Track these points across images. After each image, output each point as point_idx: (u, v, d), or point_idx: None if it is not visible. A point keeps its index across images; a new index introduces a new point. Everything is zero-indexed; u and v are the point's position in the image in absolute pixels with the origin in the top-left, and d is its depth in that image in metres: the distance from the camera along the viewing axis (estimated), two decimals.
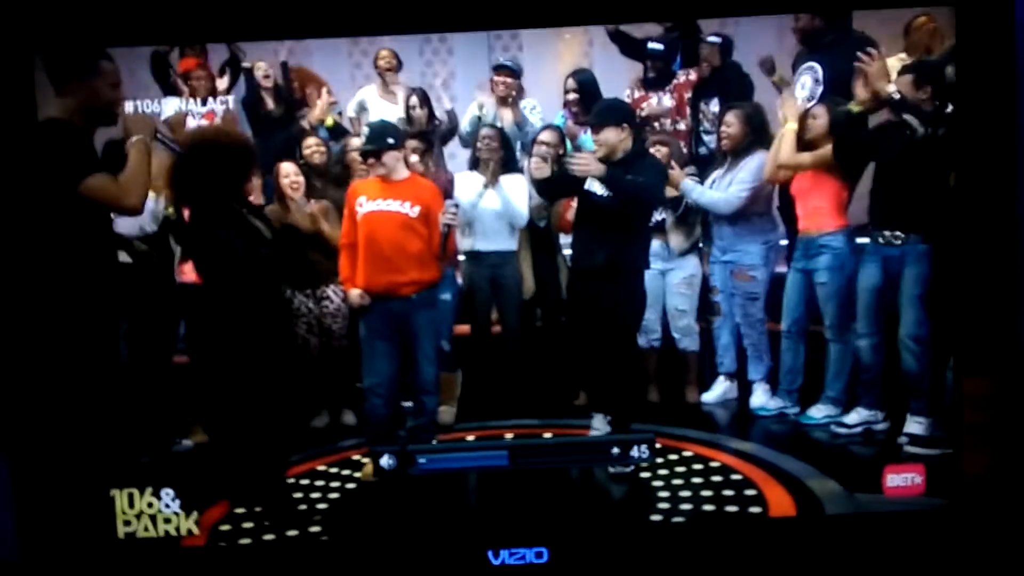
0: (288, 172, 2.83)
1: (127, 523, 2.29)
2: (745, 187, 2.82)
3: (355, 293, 2.70)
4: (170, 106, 2.46)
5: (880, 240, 2.62)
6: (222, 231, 2.38)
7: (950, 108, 2.33)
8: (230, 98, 2.54)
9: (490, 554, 2.26)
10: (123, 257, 2.48)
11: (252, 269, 2.40)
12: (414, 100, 2.82)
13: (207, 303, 2.43)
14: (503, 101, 2.87)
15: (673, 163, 2.86)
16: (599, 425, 2.75)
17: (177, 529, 2.30)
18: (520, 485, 2.44)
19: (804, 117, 2.72)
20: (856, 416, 2.73)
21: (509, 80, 2.83)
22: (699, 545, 2.33)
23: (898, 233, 2.58)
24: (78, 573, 2.25)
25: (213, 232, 2.38)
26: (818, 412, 2.81)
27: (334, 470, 2.66)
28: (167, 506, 2.30)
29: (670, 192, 2.86)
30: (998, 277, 2.16)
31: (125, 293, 2.42)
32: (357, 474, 2.64)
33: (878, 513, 2.32)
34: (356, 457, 2.70)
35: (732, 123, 2.86)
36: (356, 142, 2.87)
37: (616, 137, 2.63)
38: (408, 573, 2.30)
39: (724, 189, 2.86)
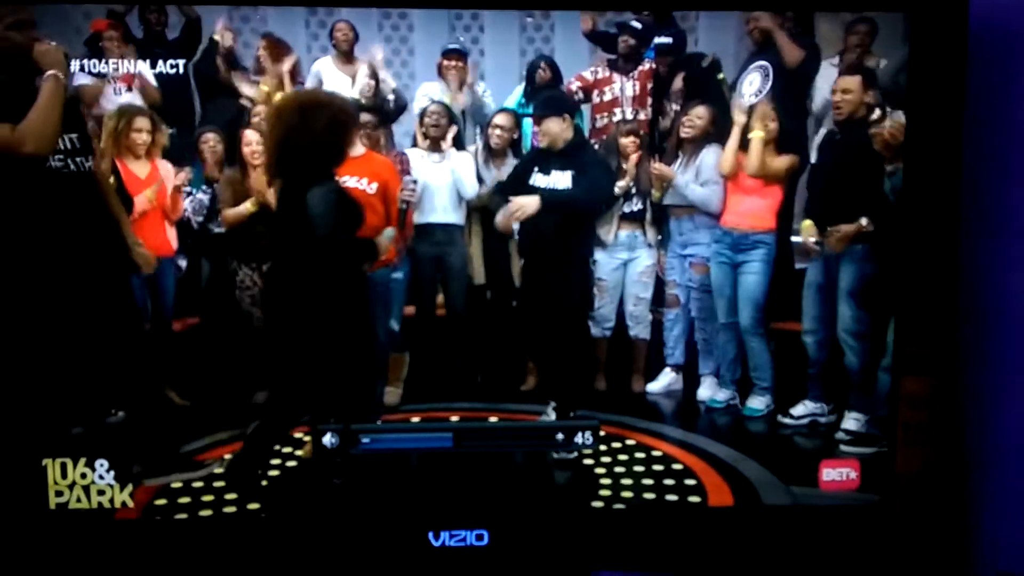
0: (251, 140, 2.73)
1: (59, 494, 2.23)
2: (717, 182, 2.84)
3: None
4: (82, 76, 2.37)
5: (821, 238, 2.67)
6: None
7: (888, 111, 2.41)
8: (181, 62, 2.46)
9: (431, 535, 2.26)
10: None
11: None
12: (365, 71, 2.78)
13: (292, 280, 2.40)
14: (456, 85, 2.84)
15: (657, 162, 2.89)
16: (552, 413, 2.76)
17: (111, 501, 2.25)
18: (462, 468, 2.44)
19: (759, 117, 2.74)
20: (803, 408, 2.78)
21: (460, 63, 2.80)
22: (639, 531, 2.36)
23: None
24: (7, 543, 2.19)
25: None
26: (760, 403, 2.85)
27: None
28: (101, 477, 2.25)
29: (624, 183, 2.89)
30: (938, 277, 2.20)
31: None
32: (299, 452, 2.60)
33: (812, 506, 2.36)
34: (298, 435, 2.67)
35: (703, 116, 2.85)
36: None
37: (558, 127, 2.65)
38: (349, 553, 2.29)
39: (687, 183, 2.89)
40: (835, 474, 2.40)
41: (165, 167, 2.68)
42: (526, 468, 2.60)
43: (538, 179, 2.71)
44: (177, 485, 2.41)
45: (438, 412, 2.74)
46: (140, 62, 2.46)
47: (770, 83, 2.70)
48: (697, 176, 2.87)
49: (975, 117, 2.19)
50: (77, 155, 2.26)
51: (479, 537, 2.28)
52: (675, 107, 2.94)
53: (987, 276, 2.32)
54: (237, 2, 2.48)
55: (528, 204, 2.66)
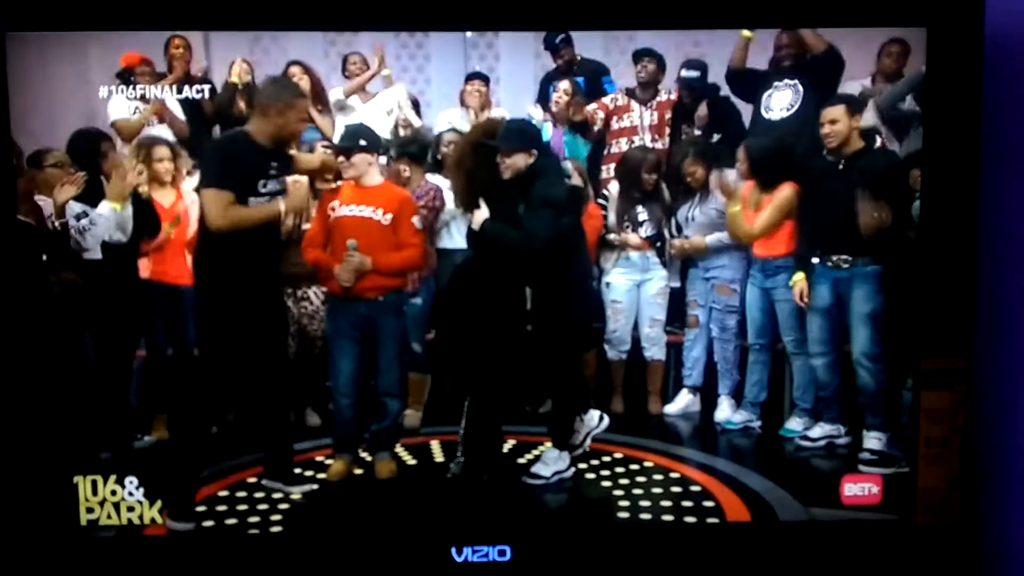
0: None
1: (90, 510, 2.30)
2: None
3: None
4: (118, 107, 2.46)
5: (828, 264, 2.69)
6: None
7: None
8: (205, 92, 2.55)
9: (453, 551, 2.29)
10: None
11: None
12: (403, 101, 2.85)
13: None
14: (476, 110, 2.88)
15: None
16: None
17: (140, 517, 2.32)
18: (485, 485, 2.53)
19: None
20: (819, 430, 2.78)
21: (483, 89, 2.84)
22: (659, 547, 2.38)
23: (846, 256, 2.66)
24: (41, 558, 2.26)
25: None
26: (795, 424, 2.86)
27: (297, 470, 2.66)
28: (130, 494, 2.31)
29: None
30: (956, 291, 2.21)
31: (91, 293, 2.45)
32: (321, 475, 2.65)
33: (832, 521, 2.39)
34: (320, 458, 2.71)
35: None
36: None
37: (524, 162, 2.62)
38: (373, 569, 2.33)
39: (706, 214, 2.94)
40: (857, 489, 2.40)
41: (191, 194, 2.73)
42: (547, 485, 2.64)
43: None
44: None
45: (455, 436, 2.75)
46: (169, 96, 2.54)
47: (801, 99, 2.74)
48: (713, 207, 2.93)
49: (991, 129, 2.19)
50: None
51: (501, 553, 2.31)
52: (696, 134, 2.97)
53: (1005, 289, 2.31)
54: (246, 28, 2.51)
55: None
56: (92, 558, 2.30)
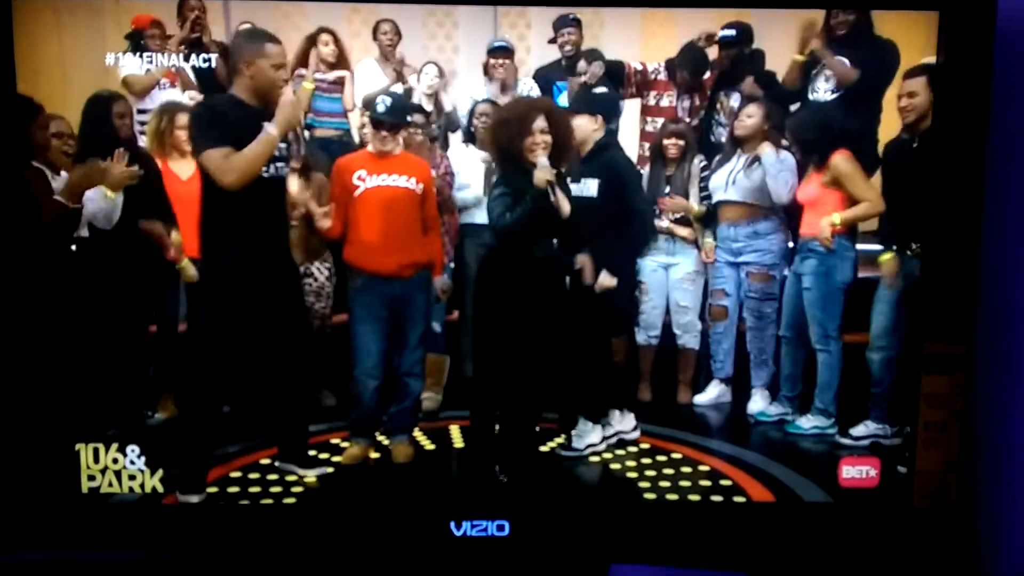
0: None
1: (91, 478, 2.31)
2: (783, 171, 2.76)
3: None
4: (130, 64, 2.34)
5: (908, 253, 2.47)
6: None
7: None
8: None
9: (452, 525, 2.32)
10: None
11: None
12: (435, 80, 2.75)
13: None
14: (502, 85, 2.75)
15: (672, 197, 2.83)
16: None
17: (142, 486, 2.32)
18: (484, 460, 2.55)
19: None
20: (863, 429, 2.61)
21: (507, 62, 2.70)
22: (656, 524, 2.42)
23: (915, 245, 2.43)
24: (43, 525, 2.29)
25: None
26: (806, 423, 2.71)
27: (312, 452, 2.58)
28: (131, 463, 2.32)
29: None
30: (958, 276, 2.23)
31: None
32: (337, 458, 2.57)
33: (833, 503, 2.42)
34: (335, 441, 2.63)
35: (754, 113, 2.74)
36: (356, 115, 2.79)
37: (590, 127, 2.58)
38: (376, 541, 2.37)
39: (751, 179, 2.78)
40: (855, 472, 2.42)
41: None
42: (546, 461, 2.64)
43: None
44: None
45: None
46: (181, 62, 2.43)
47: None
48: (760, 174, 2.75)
49: (1000, 116, 2.19)
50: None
51: (500, 527, 2.33)
52: (733, 105, 2.81)
53: (1007, 276, 2.33)
54: None
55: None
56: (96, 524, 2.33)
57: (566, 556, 2.36)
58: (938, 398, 2.27)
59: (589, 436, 2.68)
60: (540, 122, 2.48)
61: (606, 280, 2.64)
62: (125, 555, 2.38)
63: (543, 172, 2.48)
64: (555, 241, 2.61)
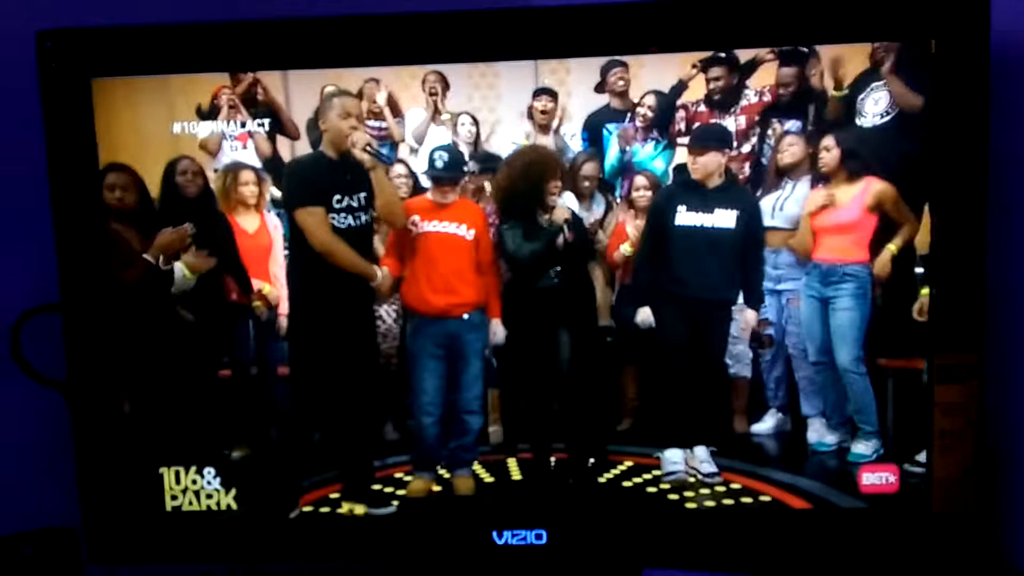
0: None
1: (174, 498, 2.59)
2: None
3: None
4: (204, 128, 2.56)
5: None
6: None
7: None
8: (266, 121, 2.62)
9: (494, 534, 2.49)
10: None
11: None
12: (470, 127, 2.86)
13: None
14: (543, 128, 2.82)
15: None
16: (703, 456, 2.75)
17: (218, 504, 2.58)
18: (523, 472, 2.72)
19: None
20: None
21: (550, 105, 2.78)
22: (688, 531, 2.54)
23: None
24: (132, 540, 2.58)
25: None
26: (867, 448, 2.64)
27: (377, 487, 2.71)
28: (208, 483, 2.58)
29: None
30: (967, 286, 2.31)
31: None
32: (401, 491, 2.69)
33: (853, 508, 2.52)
34: (399, 475, 2.75)
35: (794, 143, 2.72)
36: (402, 168, 2.91)
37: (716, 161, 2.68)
38: (421, 549, 2.57)
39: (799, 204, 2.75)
40: (875, 478, 2.49)
41: (273, 220, 2.84)
42: (584, 472, 2.72)
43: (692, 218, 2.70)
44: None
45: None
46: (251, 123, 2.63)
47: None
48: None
49: (999, 132, 2.27)
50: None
51: (538, 536, 2.48)
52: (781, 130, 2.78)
53: (1013, 278, 2.48)
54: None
55: None
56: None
57: (601, 561, 2.53)
58: (953, 407, 2.32)
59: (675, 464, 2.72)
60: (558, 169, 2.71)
61: (751, 316, 2.77)
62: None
63: (561, 212, 2.71)
64: (554, 271, 2.78)
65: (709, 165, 2.70)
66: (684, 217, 2.71)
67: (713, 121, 2.79)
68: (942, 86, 2.27)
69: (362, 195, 2.64)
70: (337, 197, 2.60)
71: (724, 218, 2.70)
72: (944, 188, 2.31)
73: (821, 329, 2.73)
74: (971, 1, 2.21)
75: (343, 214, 2.61)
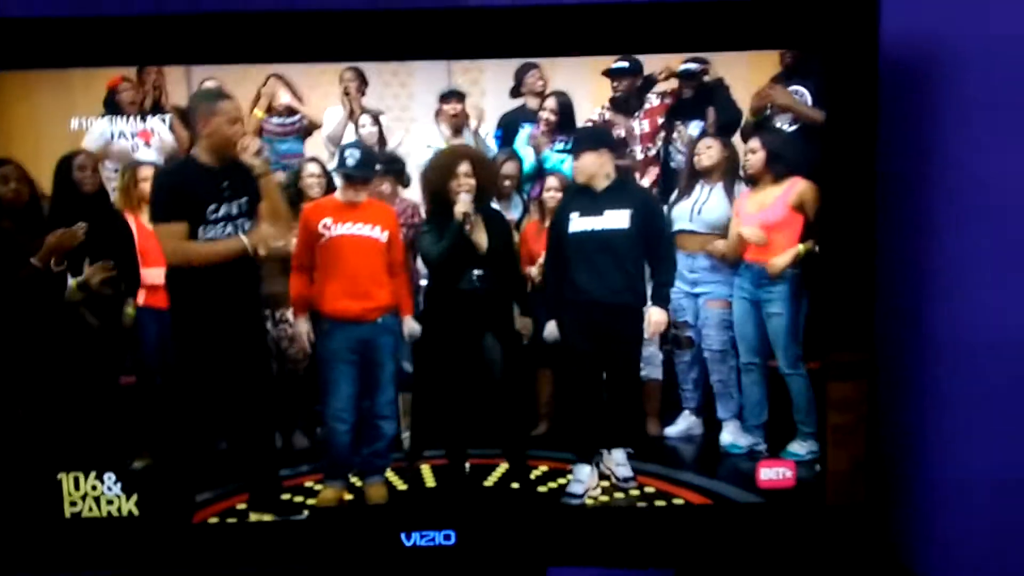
0: None
1: (73, 504, 2.49)
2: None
3: (304, 328, 2.73)
4: (97, 128, 2.47)
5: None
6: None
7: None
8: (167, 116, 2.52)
9: (403, 536, 2.49)
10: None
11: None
12: (368, 123, 2.81)
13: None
14: (456, 130, 2.81)
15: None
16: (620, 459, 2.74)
17: (119, 510, 2.50)
18: (438, 478, 2.71)
19: None
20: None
21: (459, 107, 2.76)
22: (592, 528, 2.56)
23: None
24: (29, 548, 2.49)
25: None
26: (801, 448, 2.64)
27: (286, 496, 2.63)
28: (109, 488, 2.49)
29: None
30: (858, 285, 2.42)
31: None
32: (311, 501, 2.61)
33: (751, 504, 2.58)
34: (309, 484, 2.67)
35: (712, 145, 2.74)
36: (314, 166, 2.85)
37: (596, 163, 2.66)
38: (328, 552, 2.54)
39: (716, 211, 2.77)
40: (772, 473, 2.55)
41: None
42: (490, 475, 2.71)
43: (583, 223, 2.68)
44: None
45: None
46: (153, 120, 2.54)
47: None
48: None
49: (887, 141, 2.39)
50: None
51: (447, 537, 2.49)
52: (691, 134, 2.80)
53: (903, 281, 2.58)
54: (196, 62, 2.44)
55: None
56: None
57: (509, 561, 2.55)
58: (845, 403, 2.43)
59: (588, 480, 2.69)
60: (464, 167, 2.65)
61: (658, 316, 2.74)
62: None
63: (461, 206, 2.64)
64: (475, 274, 2.73)
65: (588, 167, 2.69)
66: (577, 223, 2.70)
67: (588, 122, 2.81)
68: (833, 96, 2.36)
69: (243, 200, 2.52)
70: (212, 207, 2.48)
71: (616, 219, 2.69)
72: (835, 194, 2.41)
73: (754, 331, 2.75)
74: (860, 12, 2.28)
75: (221, 224, 2.49)
